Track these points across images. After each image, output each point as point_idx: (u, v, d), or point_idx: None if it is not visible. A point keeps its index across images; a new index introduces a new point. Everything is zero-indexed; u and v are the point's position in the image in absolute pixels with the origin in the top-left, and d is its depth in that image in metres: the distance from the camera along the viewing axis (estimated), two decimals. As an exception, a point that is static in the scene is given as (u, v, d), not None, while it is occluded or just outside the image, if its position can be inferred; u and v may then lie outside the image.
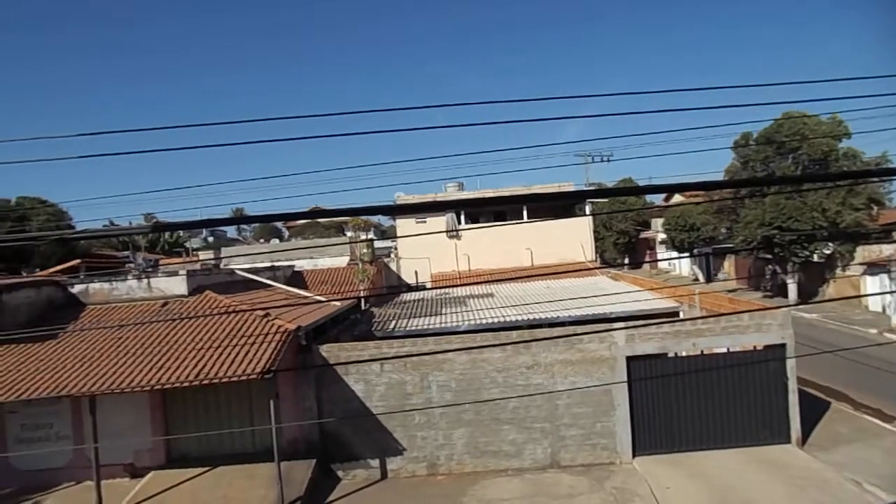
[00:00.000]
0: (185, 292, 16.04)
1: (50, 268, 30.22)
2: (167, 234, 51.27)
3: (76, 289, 16.28)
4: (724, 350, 14.55)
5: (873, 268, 31.97)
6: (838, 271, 36.07)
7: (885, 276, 29.59)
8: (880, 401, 17.53)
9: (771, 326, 14.15)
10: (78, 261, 27.99)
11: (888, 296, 28.76)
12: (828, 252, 35.74)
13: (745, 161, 37.81)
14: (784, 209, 33.73)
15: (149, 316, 14.63)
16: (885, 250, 32.08)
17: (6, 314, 14.24)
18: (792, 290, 36.62)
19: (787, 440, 14.07)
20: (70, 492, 13.55)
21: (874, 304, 31.72)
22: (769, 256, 38.18)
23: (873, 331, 27.01)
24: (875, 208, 35.86)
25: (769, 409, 14.16)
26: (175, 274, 16.97)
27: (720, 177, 37.72)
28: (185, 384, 11.26)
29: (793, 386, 14.12)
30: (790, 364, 14.09)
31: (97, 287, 16.26)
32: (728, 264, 49.75)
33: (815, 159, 34.43)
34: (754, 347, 14.53)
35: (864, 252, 34.50)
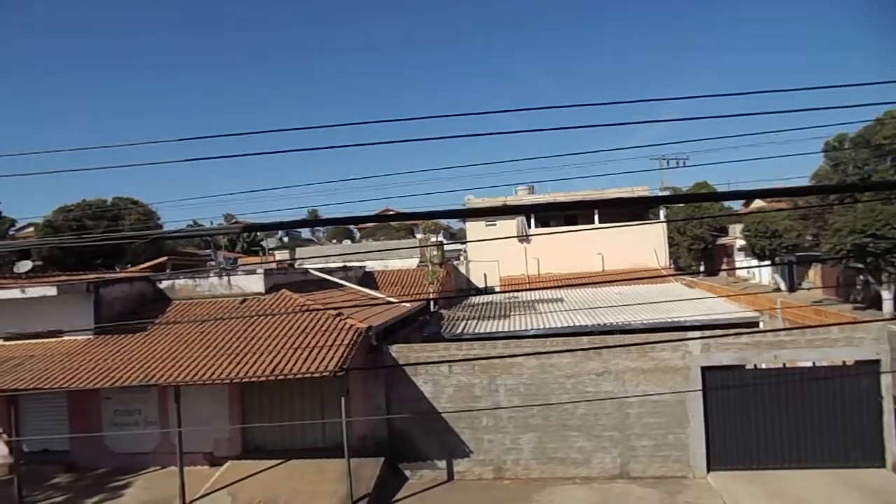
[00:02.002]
0: (263, 290, 16.69)
1: (140, 264, 32.17)
2: (245, 235, 53.54)
3: (163, 284, 17.24)
4: (810, 364, 13.78)
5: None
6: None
7: None
8: None
9: (863, 340, 13.27)
10: (165, 258, 29.68)
11: None
12: (928, 262, 33.14)
13: (836, 164, 35.67)
14: (879, 215, 31.56)
15: (229, 312, 15.32)
16: None
17: (103, 307, 15.27)
18: (887, 302, 34.18)
19: (882, 464, 13.13)
20: (156, 475, 14.38)
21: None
22: (860, 266, 35.81)
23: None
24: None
25: (860, 429, 13.26)
26: (253, 272, 17.69)
27: (806, 182, 35.79)
28: (262, 378, 11.73)
29: (889, 406, 13.18)
30: (885, 382, 13.16)
31: (182, 283, 17.17)
32: (813, 273, 47.01)
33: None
34: (843, 363, 13.68)
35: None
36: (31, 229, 49.61)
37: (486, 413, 14.01)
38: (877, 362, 13.17)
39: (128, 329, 14.48)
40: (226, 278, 17.07)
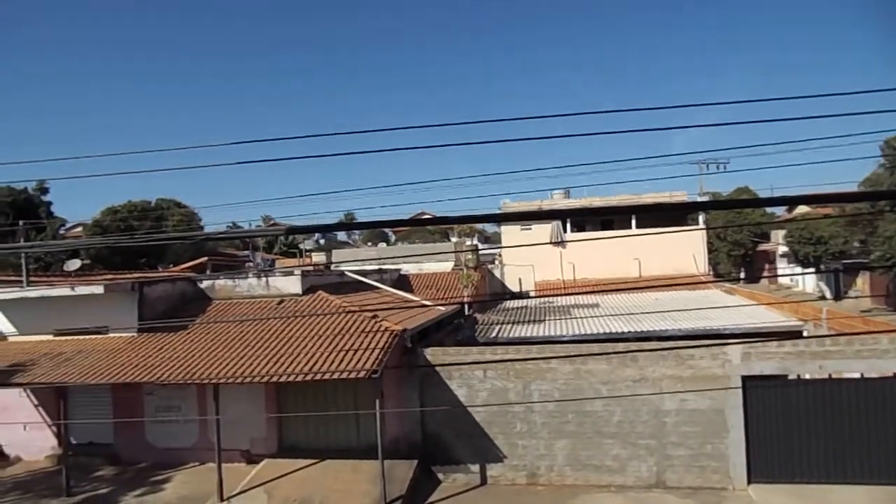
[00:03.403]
0: (300, 291, 16.96)
1: (181, 264, 33.04)
2: (283, 237, 54.42)
3: (204, 284, 17.67)
4: (858, 375, 13.30)
5: None
6: None
7: None
8: None
9: (913, 351, 12.76)
10: (205, 258, 30.44)
11: None
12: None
13: (893, 167, 34.35)
14: (931, 222, 30.36)
15: (267, 312, 15.61)
16: None
17: (146, 306, 15.73)
18: (939, 312, 32.80)
19: (931, 480, 12.60)
20: (196, 471, 14.73)
21: None
22: (911, 274, 34.50)
23: None
24: None
25: (910, 443, 12.75)
26: (290, 274, 17.99)
27: (854, 188, 34.59)
28: (299, 378, 11.91)
29: (940, 420, 12.64)
30: (937, 395, 12.64)
31: (222, 283, 17.57)
32: (861, 281, 45.37)
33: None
34: (893, 374, 13.17)
35: None
36: (80, 229, 51.45)
37: (520, 418, 13.93)
38: (929, 375, 12.65)
39: (170, 327, 14.89)
40: (264, 279, 17.40)
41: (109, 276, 22.15)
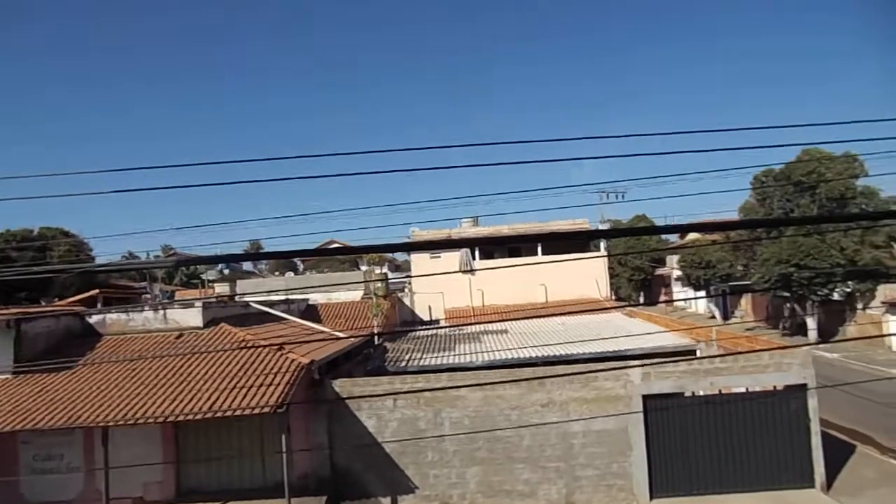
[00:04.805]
0: (201, 324, 16.12)
1: (69, 297, 30.59)
2: (184, 267, 51.86)
3: (93, 319, 16.43)
4: (743, 390, 14.27)
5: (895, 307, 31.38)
6: (860, 310, 35.48)
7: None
8: (906, 445, 17.01)
9: (791, 366, 13.89)
10: (96, 291, 28.31)
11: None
12: (847, 290, 35.21)
13: (762, 199, 37.68)
14: (802, 247, 33.40)
15: (164, 347, 14.70)
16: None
17: (25, 344, 14.35)
18: (811, 329, 35.99)
19: (812, 484, 13.65)
20: (79, 525, 13.45)
21: (897, 344, 31.05)
22: (787, 295, 37.67)
23: (897, 372, 26.35)
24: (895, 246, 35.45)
25: (791, 451, 13.78)
26: (191, 306, 17.10)
27: (736, 215, 37.59)
28: (198, 417, 11.24)
29: (816, 428, 13.76)
30: (812, 405, 13.77)
31: (114, 317, 16.41)
32: (745, 302, 49.09)
33: (832, 197, 34.26)
34: (774, 387, 14.24)
35: (885, 290, 33.92)
36: (-52, 262, 46.59)
37: (432, 447, 13.83)
38: (804, 386, 13.79)
39: (51, 368, 13.64)
40: (161, 312, 16.43)
41: (-18, 313, 20.09)
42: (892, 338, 31.29)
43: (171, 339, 15.44)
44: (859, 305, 35.48)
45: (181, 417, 11.26)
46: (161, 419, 11.30)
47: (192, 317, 16.30)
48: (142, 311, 16.70)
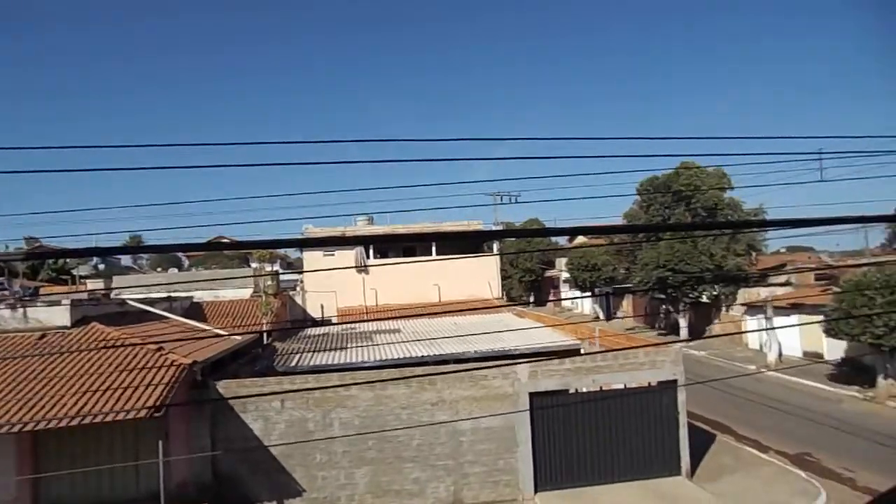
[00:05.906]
0: (68, 323, 14.81)
1: None
2: (51, 260, 47.40)
3: (-63, 318, 14.64)
4: (622, 386, 15.17)
5: (752, 309, 34.65)
6: (723, 312, 38.88)
7: (761, 317, 32.09)
8: (758, 433, 18.86)
9: (664, 363, 14.93)
10: (-57, 287, 25.25)
11: (764, 334, 31.21)
12: (714, 293, 38.47)
13: (647, 205, 40.25)
14: (677, 252, 36.06)
15: (22, 350, 13.37)
16: (762, 293, 34.91)
17: None
18: (683, 328, 38.93)
19: (678, 472, 14.75)
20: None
21: (753, 342, 34.34)
22: (663, 296, 40.58)
23: (752, 367, 29.11)
24: (753, 254, 39.28)
25: (662, 442, 14.83)
26: (57, 303, 15.66)
27: (620, 220, 39.89)
28: (59, 424, 10.30)
29: (683, 420, 14.89)
30: (681, 399, 14.89)
31: (-37, 317, 14.71)
32: (626, 303, 52.27)
33: (706, 207, 37.28)
34: (649, 384, 15.24)
35: (744, 294, 37.38)
36: None
37: (320, 449, 13.56)
38: (674, 382, 14.88)
39: None
40: (21, 310, 14.92)
41: None
42: (749, 336, 34.61)
43: (33, 339, 14.07)
44: (724, 307, 38.88)
45: (41, 425, 10.26)
46: (13, 428, 10.23)
47: (58, 315, 14.94)
48: (-3, 309, 15.08)
